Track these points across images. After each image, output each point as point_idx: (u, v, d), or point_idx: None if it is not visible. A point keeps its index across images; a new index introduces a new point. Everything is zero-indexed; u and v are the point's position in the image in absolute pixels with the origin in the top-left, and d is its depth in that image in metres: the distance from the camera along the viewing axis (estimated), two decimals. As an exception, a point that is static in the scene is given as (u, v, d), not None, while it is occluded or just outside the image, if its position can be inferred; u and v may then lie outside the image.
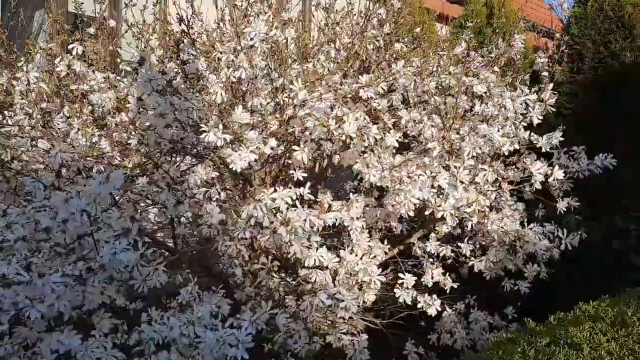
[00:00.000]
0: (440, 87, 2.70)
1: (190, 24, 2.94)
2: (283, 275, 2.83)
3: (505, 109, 2.71)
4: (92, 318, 2.38)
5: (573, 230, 3.59)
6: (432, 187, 2.50)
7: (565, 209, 3.29)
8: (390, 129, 2.60)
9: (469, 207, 2.60)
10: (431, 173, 2.45)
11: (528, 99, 2.61)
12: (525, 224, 3.46)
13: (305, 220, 2.06)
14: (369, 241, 3.00)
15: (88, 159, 2.62)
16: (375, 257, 2.84)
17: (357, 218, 2.74)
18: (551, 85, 2.98)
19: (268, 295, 2.50)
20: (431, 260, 3.33)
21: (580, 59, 4.19)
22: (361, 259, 2.84)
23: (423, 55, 3.07)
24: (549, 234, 3.46)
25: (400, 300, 2.95)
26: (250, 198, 2.51)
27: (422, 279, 3.25)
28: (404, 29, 3.59)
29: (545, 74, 3.75)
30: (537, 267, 3.54)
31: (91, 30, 2.93)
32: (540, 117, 3.20)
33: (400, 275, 3.21)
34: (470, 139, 2.49)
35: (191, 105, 2.27)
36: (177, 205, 2.26)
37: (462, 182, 2.52)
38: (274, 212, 2.09)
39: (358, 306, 2.46)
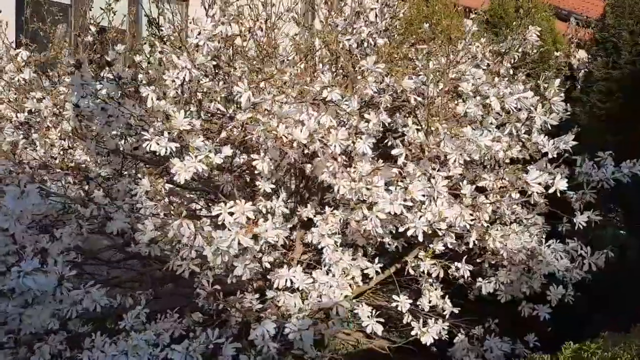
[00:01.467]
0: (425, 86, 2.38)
1: (160, 24, 2.78)
2: (251, 297, 2.58)
3: (503, 109, 2.34)
4: (34, 342, 2.21)
5: (606, 246, 3.15)
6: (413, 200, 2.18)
7: (585, 223, 2.86)
8: (362, 133, 2.30)
9: (460, 222, 2.25)
10: (404, 184, 2.13)
11: (524, 97, 2.24)
12: (543, 240, 3.06)
13: (233, 240, 1.81)
14: (354, 259, 2.71)
15: (58, 171, 2.50)
16: (353, 278, 2.54)
17: (332, 234, 2.46)
18: (558, 80, 2.58)
19: (222, 321, 2.25)
20: (431, 280, 2.98)
21: (616, 52, 3.71)
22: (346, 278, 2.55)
23: (416, 52, 2.74)
24: (573, 251, 3.04)
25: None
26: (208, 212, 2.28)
27: (417, 302, 2.91)
28: (407, 24, 3.27)
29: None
30: (563, 289, 3.12)
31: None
32: (550, 119, 2.79)
33: (395, 297, 2.90)
34: (450, 144, 2.15)
35: (130, 111, 2.07)
36: (109, 221, 2.07)
37: (440, 194, 2.17)
38: (203, 229, 1.85)
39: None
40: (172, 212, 1.83)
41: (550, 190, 2.30)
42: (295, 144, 2.01)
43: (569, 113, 3.73)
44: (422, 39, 3.36)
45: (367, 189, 2.05)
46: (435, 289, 2.93)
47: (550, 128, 3.04)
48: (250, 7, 2.57)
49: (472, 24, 3.04)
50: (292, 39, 3.18)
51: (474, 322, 3.37)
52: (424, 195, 2.16)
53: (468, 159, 2.31)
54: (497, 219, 2.79)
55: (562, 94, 3.19)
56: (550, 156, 2.59)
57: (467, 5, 5.46)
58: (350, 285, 2.53)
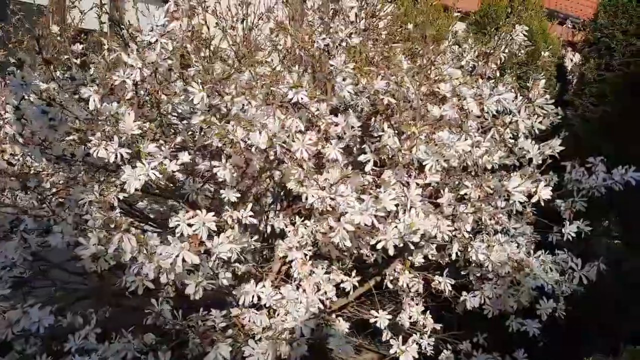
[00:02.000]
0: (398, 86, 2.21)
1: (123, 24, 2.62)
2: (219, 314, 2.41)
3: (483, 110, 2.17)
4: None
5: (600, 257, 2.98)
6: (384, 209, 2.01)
7: (574, 234, 2.69)
8: (333, 138, 2.13)
9: (437, 233, 2.08)
10: (375, 192, 1.96)
11: (504, 99, 2.07)
12: (532, 251, 2.89)
13: (177, 256, 1.64)
14: (328, 273, 2.54)
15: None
16: (326, 293, 2.36)
17: (300, 246, 2.29)
18: (543, 81, 2.41)
19: (181, 342, 2.08)
20: (412, 295, 2.80)
21: (609, 53, 3.54)
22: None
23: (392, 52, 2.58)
24: (563, 263, 2.87)
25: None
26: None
27: (397, 318, 2.74)
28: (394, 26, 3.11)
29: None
30: (554, 303, 2.94)
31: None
32: (537, 122, 2.63)
33: (373, 312, 2.72)
34: (426, 150, 1.98)
35: (75, 114, 1.90)
36: (47, 234, 1.90)
37: (414, 204, 2.00)
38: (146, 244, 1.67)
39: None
40: (115, 224, 1.66)
41: (534, 199, 2.12)
42: (254, 149, 1.84)
43: (560, 117, 3.57)
44: (406, 40, 3.21)
45: (331, 198, 1.88)
46: (417, 304, 2.75)
47: (538, 132, 2.88)
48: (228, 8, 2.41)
49: (454, 23, 2.87)
50: (271, 40, 3.03)
51: (463, 337, 3.21)
52: (397, 205, 1.98)
53: (446, 165, 2.13)
54: (482, 230, 2.62)
55: (549, 96, 3.05)
56: (535, 162, 2.42)
57: (459, 7, 5.32)
58: (322, 302, 2.35)
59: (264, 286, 2.36)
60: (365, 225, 2.00)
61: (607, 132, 3.32)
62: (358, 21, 2.96)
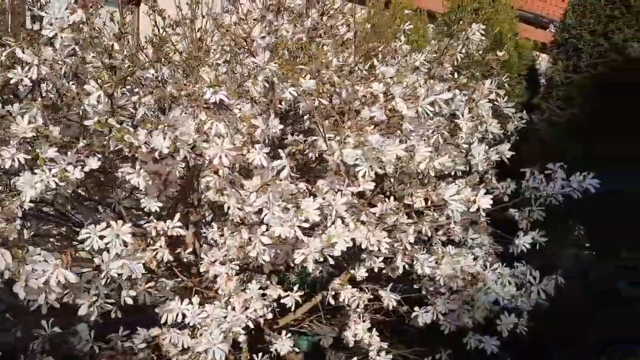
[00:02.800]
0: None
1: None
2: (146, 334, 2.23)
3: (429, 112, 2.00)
4: None
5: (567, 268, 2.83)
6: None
7: (529, 245, 2.53)
8: (257, 141, 1.96)
9: (367, 245, 1.91)
10: (296, 202, 1.79)
11: (438, 98, 1.90)
12: (488, 264, 2.72)
13: (51, 275, 1.46)
14: (263, 288, 2.36)
15: None
16: (255, 311, 2.18)
17: (226, 260, 2.11)
18: (488, 82, 2.25)
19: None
20: (360, 311, 2.62)
21: (577, 54, 3.39)
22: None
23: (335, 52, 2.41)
24: (523, 276, 2.70)
25: None
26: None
27: (342, 336, 2.56)
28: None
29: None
30: (515, 318, 2.77)
31: None
32: (490, 127, 2.48)
33: (317, 329, 2.55)
34: (355, 154, 1.81)
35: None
36: None
37: (339, 214, 1.83)
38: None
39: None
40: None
41: (472, 209, 1.95)
42: (157, 154, 1.66)
43: (524, 121, 3.42)
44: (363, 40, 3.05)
45: (239, 208, 1.71)
46: (363, 320, 2.57)
47: (494, 137, 2.74)
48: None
49: (404, 23, 2.72)
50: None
51: (425, 353, 3.04)
52: (321, 215, 1.81)
53: (380, 171, 1.96)
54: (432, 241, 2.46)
55: (505, 99, 2.90)
56: (481, 168, 2.25)
57: (428, 8, 5.18)
58: (252, 320, 2.17)
59: (190, 303, 2.18)
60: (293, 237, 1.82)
61: (575, 136, 3.16)
62: (307, 19, 2.80)
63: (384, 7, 4.99)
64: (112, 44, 1.80)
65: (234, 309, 2.20)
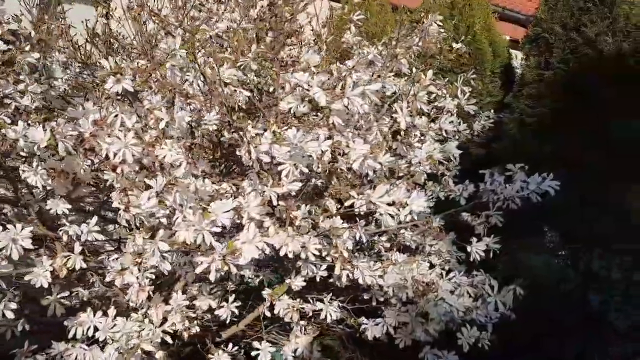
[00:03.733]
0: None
1: None
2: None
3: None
4: None
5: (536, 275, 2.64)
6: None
7: (482, 252, 2.33)
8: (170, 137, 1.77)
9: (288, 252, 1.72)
10: (203, 204, 1.60)
11: (368, 89, 1.70)
12: (444, 273, 2.53)
13: None
14: (192, 299, 2.17)
15: None
16: (174, 324, 1.98)
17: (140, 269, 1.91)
18: (431, 72, 2.06)
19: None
20: (303, 323, 2.42)
21: (549, 49, 3.19)
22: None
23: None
24: (482, 286, 2.51)
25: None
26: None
27: (281, 351, 2.36)
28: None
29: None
30: (477, 331, 2.57)
31: None
32: (444, 123, 2.29)
33: (256, 344, 2.35)
34: (264, 150, 1.62)
35: None
36: None
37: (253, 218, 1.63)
38: None
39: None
40: None
41: (405, 212, 1.75)
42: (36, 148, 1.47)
43: (492, 120, 3.24)
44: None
45: (125, 209, 1.51)
46: (305, 333, 2.37)
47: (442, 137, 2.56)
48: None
49: (354, 11, 2.53)
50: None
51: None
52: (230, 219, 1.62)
53: (306, 170, 1.77)
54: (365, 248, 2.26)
55: (466, 96, 2.73)
56: (423, 168, 2.06)
57: (404, 4, 4.99)
58: (170, 334, 1.98)
59: (104, 315, 1.99)
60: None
61: (545, 136, 2.97)
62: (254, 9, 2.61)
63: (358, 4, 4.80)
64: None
65: (151, 322, 2.01)
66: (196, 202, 1.71)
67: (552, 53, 3.12)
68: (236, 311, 2.35)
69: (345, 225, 1.94)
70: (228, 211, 1.63)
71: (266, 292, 2.15)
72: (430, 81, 2.01)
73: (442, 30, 2.77)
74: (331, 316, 2.22)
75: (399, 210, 1.73)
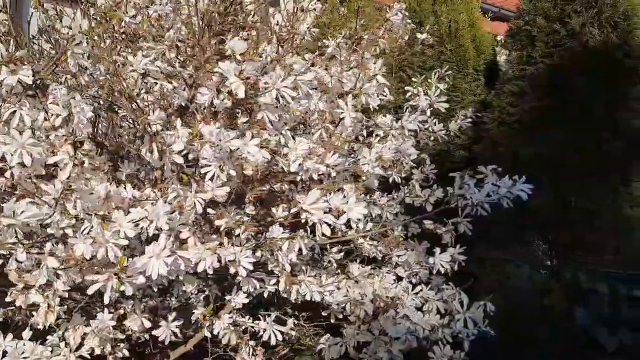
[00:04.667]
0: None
1: None
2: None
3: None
4: None
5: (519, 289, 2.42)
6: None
7: (447, 264, 2.10)
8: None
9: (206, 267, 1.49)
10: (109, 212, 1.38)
11: (300, 80, 1.48)
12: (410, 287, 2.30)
13: None
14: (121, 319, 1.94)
15: None
16: (92, 349, 1.76)
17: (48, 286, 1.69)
18: (380, 62, 1.83)
19: None
20: (252, 343, 2.19)
21: (531, 43, 2.96)
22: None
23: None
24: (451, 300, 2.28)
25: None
26: None
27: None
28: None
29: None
30: (451, 350, 2.33)
31: None
32: (407, 122, 2.08)
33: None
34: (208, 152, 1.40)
35: None
36: None
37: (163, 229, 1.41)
38: None
39: None
40: None
41: (341, 220, 1.52)
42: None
43: (469, 120, 3.01)
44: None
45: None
46: (254, 355, 2.14)
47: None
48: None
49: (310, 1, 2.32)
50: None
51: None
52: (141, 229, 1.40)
53: (234, 173, 1.55)
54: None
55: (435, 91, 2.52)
56: (371, 171, 1.83)
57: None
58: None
59: (15, 338, 1.77)
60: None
61: (527, 136, 2.73)
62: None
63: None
64: None
65: (67, 345, 1.79)
66: (103, 209, 1.49)
67: (535, 47, 2.89)
68: (177, 331, 2.12)
69: (285, 235, 1.71)
70: (136, 221, 1.41)
71: (197, 312, 1.91)
72: (379, 72, 1.77)
73: (409, 21, 2.55)
74: (275, 337, 1.99)
75: (337, 218, 1.50)
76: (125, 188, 1.63)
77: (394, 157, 1.92)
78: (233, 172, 1.59)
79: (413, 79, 2.77)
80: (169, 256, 1.39)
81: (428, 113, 2.68)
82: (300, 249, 1.73)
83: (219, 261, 1.55)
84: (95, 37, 1.46)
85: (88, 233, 1.43)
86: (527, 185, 2.03)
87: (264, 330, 1.97)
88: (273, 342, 1.97)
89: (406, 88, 2.85)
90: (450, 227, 2.18)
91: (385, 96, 2.66)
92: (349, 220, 2.53)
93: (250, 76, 1.40)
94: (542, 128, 2.71)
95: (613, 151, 2.49)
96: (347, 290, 2.06)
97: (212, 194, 1.59)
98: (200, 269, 1.47)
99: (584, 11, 2.75)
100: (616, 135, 2.51)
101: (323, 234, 1.62)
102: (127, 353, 1.93)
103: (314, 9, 2.41)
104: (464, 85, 3.55)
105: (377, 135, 2.33)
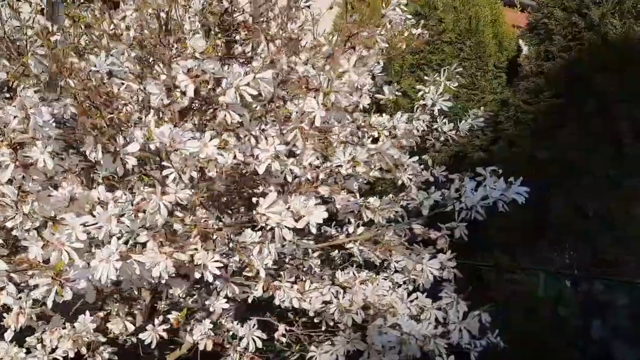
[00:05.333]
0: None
1: None
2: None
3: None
4: None
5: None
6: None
7: (435, 271, 1.99)
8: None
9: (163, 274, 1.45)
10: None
11: (261, 78, 1.40)
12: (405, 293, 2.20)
13: None
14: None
15: None
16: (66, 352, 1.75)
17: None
18: (354, 58, 1.74)
19: None
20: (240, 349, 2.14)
21: (549, 37, 2.79)
22: None
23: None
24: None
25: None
26: None
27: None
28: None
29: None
30: (454, 360, 2.22)
31: None
32: (398, 121, 2.00)
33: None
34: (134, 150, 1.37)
35: None
36: None
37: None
38: None
39: None
40: None
41: (301, 224, 1.45)
42: None
43: (482, 119, 2.88)
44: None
45: None
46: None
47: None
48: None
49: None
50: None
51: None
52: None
53: (196, 175, 1.51)
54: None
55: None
56: (344, 172, 1.75)
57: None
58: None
59: (-4, 339, 1.78)
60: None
61: (542, 136, 2.57)
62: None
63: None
64: None
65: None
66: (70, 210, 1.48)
67: (553, 41, 2.72)
68: (165, 335, 2.09)
69: (256, 239, 1.65)
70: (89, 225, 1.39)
71: (172, 317, 1.87)
72: (352, 67, 1.69)
73: (409, 16, 2.45)
74: (254, 344, 1.93)
75: (296, 222, 1.43)
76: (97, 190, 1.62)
77: (369, 159, 1.82)
78: (195, 174, 1.55)
79: (426, 78, 2.67)
80: (118, 260, 1.35)
81: (436, 112, 2.59)
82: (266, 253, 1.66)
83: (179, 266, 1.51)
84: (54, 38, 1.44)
85: (39, 235, 1.42)
86: (523, 188, 1.90)
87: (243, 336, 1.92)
88: (252, 348, 1.91)
89: (417, 87, 2.75)
90: (444, 232, 2.06)
91: (384, 95, 2.58)
92: (343, 226, 2.45)
93: (199, 74, 1.35)
94: (558, 128, 2.54)
95: (633, 154, 2.30)
96: (332, 296, 1.98)
97: (174, 196, 1.55)
98: (155, 273, 1.43)
99: (604, 1, 2.56)
100: (637, 137, 2.32)
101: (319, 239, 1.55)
102: (107, 356, 1.92)
103: (308, 7, 2.35)
104: (483, 83, 3.39)
105: (370, 136, 2.24)
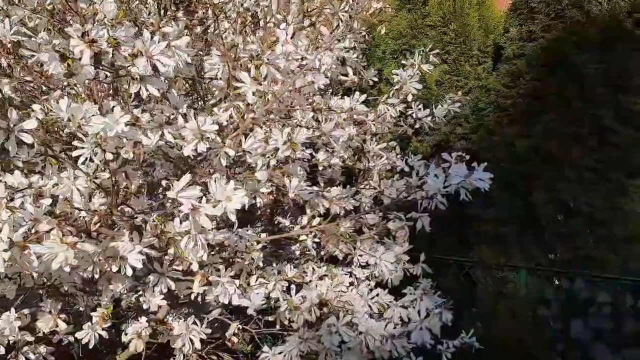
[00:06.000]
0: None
1: None
2: None
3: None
4: None
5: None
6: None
7: (390, 265, 1.83)
8: None
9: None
10: None
11: (174, 44, 1.24)
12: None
13: None
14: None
15: None
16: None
17: None
18: (291, 28, 1.56)
19: None
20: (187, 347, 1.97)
21: (531, 16, 2.60)
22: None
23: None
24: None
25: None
26: None
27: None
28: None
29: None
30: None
31: None
32: (357, 105, 1.84)
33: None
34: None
35: None
36: None
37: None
38: None
39: None
40: None
41: (217, 210, 1.28)
42: None
43: (458, 105, 2.72)
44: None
45: None
46: None
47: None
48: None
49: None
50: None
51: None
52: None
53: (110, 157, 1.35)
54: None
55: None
56: (272, 162, 1.58)
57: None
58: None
59: None
60: None
61: (521, 123, 2.39)
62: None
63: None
64: None
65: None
66: None
67: (534, 20, 2.54)
68: (104, 334, 1.93)
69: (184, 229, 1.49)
70: None
71: (95, 314, 1.70)
72: (290, 38, 1.52)
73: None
74: (192, 343, 1.76)
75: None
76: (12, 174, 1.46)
77: (311, 141, 1.66)
78: (110, 156, 1.38)
79: (403, 62, 2.52)
80: (6, 250, 1.19)
81: (410, 98, 2.44)
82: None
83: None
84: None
85: None
86: (485, 174, 1.72)
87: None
88: (187, 350, 1.74)
89: (393, 71, 2.59)
90: (403, 223, 1.89)
91: (347, 76, 2.41)
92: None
93: (97, 39, 1.19)
94: (537, 114, 2.36)
95: (617, 141, 2.12)
96: (279, 293, 1.81)
97: (87, 182, 1.39)
98: (54, 266, 1.27)
99: (589, -24, 2.38)
100: (622, 122, 2.13)
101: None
102: (33, 357, 1.77)
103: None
104: (467, 68, 3.21)
105: (330, 119, 2.07)
